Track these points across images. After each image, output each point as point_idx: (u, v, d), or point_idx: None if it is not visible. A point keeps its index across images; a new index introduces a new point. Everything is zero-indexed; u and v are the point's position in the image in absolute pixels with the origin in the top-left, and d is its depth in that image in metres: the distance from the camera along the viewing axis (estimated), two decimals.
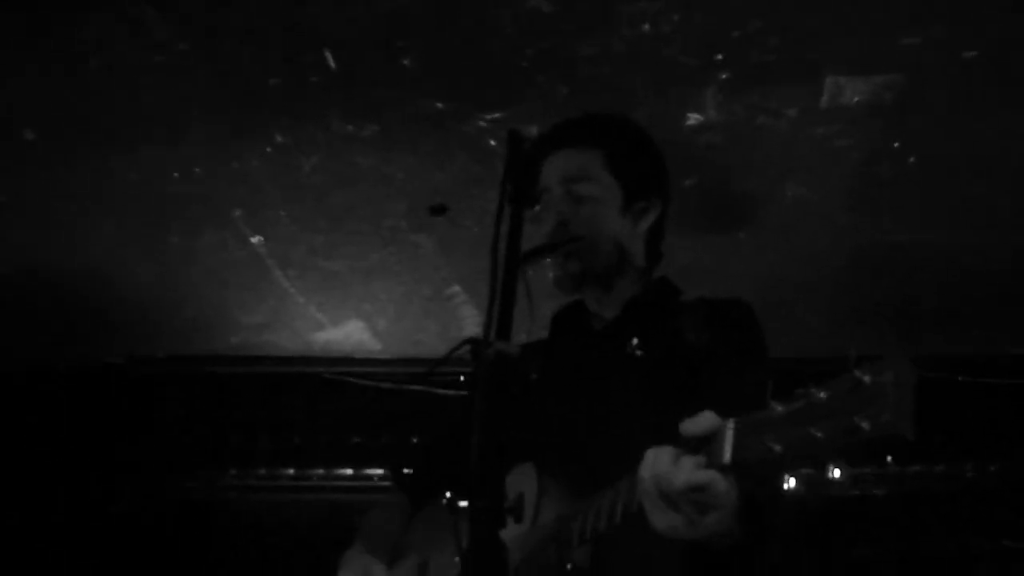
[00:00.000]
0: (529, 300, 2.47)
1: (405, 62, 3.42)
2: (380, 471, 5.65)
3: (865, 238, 4.37)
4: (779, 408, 1.64)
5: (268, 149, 3.89)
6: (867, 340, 5.23)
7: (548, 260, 2.71)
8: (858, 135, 3.73)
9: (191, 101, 3.65)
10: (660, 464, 1.83)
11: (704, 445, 1.79)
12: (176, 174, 4.04)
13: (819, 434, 1.55)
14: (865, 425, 1.49)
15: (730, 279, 4.31)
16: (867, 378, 1.52)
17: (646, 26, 3.23)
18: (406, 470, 3.09)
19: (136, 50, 3.38)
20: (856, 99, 3.54)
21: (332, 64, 3.43)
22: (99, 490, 5.72)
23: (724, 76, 3.45)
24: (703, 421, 1.81)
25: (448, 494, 1.99)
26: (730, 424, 1.75)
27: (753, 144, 3.80)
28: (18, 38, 3.35)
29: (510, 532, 1.93)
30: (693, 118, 3.64)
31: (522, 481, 2.42)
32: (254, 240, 4.49)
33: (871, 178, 3.96)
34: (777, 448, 1.62)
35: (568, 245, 2.68)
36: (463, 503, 1.93)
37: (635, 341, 2.62)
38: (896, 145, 3.78)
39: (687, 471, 1.79)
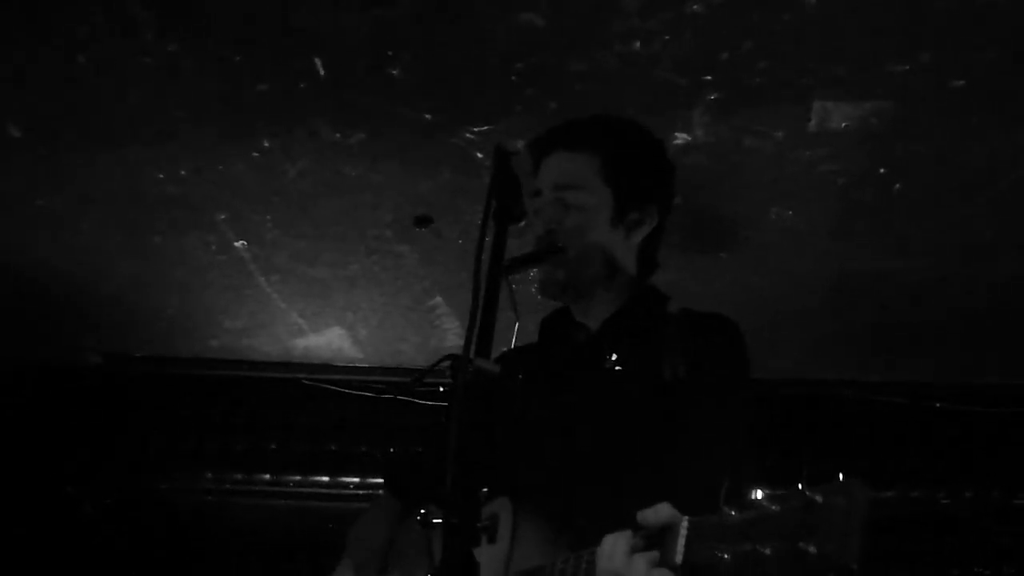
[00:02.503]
0: (514, 309, 2.47)
1: (394, 72, 3.41)
2: (356, 479, 5.64)
3: (848, 263, 4.38)
4: (732, 514, 1.66)
5: (254, 154, 3.88)
6: (846, 365, 5.25)
7: (533, 269, 2.70)
8: (844, 160, 3.74)
9: (179, 103, 3.63)
10: (616, 559, 1.86)
11: (659, 538, 1.81)
12: (161, 175, 4.03)
13: (767, 551, 1.57)
14: (812, 550, 1.51)
15: (711, 300, 4.28)
16: (819, 498, 1.53)
17: (637, 44, 3.24)
18: (399, 473, 3.09)
19: (125, 50, 3.37)
20: (844, 124, 3.55)
21: (321, 71, 3.43)
22: (73, 490, 5.69)
23: (712, 97, 3.45)
24: (660, 513, 1.85)
25: (422, 511, 1.98)
26: (684, 524, 1.78)
27: (739, 166, 3.80)
28: (6, 34, 3.34)
29: (484, 569, 1.93)
30: (680, 138, 3.65)
31: (498, 513, 2.40)
32: (238, 244, 4.48)
33: (856, 203, 3.97)
34: (726, 558, 1.64)
35: (553, 257, 2.66)
36: (437, 520, 1.92)
37: (613, 356, 2.60)
38: (882, 171, 3.79)
39: (641, 571, 1.81)
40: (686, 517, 1.78)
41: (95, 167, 3.98)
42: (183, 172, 4.01)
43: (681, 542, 1.75)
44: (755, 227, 4.16)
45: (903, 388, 5.32)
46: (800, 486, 1.57)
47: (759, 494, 1.62)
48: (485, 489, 2.40)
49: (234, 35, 3.32)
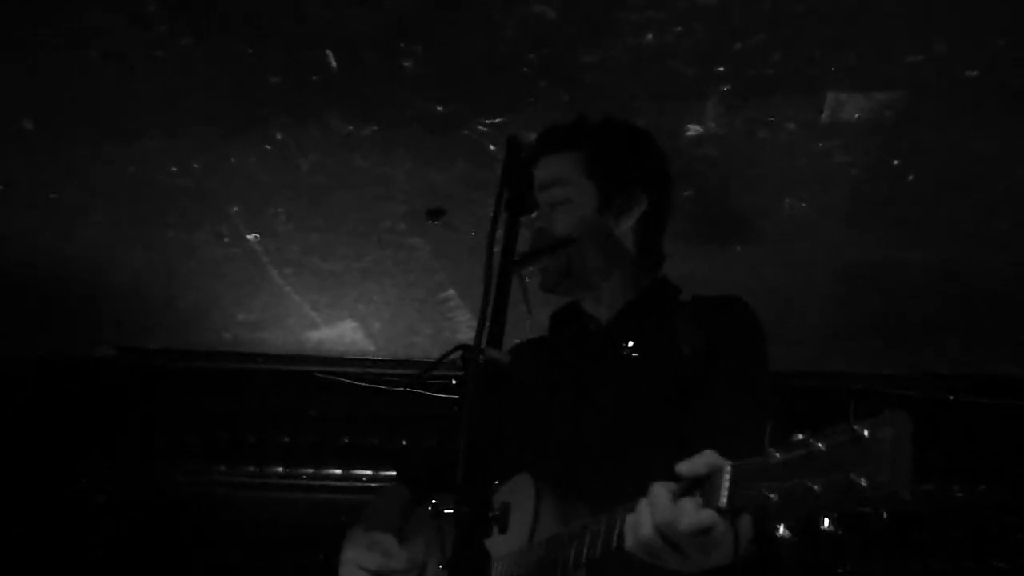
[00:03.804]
0: (527, 304, 2.48)
1: (406, 64, 3.41)
2: (368, 472, 5.65)
3: (862, 254, 4.36)
4: (776, 455, 1.64)
5: (267, 147, 3.88)
6: (860, 356, 5.23)
7: (533, 267, 2.71)
8: (858, 151, 3.73)
9: (191, 95, 3.64)
10: (659, 508, 1.83)
11: (700, 484, 1.79)
12: (174, 168, 4.03)
13: (815, 487, 1.55)
14: (862, 482, 1.49)
15: (724, 291, 4.29)
16: (866, 432, 1.52)
17: (649, 36, 3.23)
18: (411, 464, 3.10)
19: (137, 43, 3.38)
20: (857, 115, 3.54)
21: (333, 64, 3.43)
22: (85, 482, 5.71)
23: (725, 88, 3.44)
24: (700, 462, 1.80)
25: (433, 501, 1.97)
26: (727, 467, 1.74)
27: (752, 157, 3.79)
28: (19, 26, 3.35)
29: (506, 547, 1.92)
30: (693, 129, 3.64)
31: (520, 493, 2.40)
32: (250, 237, 4.49)
33: (869, 195, 3.96)
34: (773, 497, 1.62)
35: (549, 250, 2.68)
36: (448, 510, 1.92)
37: (630, 344, 2.62)
38: (895, 162, 3.78)
39: (690, 515, 1.78)
40: (729, 461, 1.76)
41: (107, 160, 3.99)
42: (195, 165, 4.01)
43: (725, 486, 1.74)
44: (768, 218, 4.15)
45: (916, 380, 5.30)
46: (844, 423, 1.56)
47: (802, 435, 1.61)
48: (496, 480, 2.41)
49: (246, 28, 3.32)
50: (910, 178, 3.85)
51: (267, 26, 3.31)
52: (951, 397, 5.32)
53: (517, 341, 2.84)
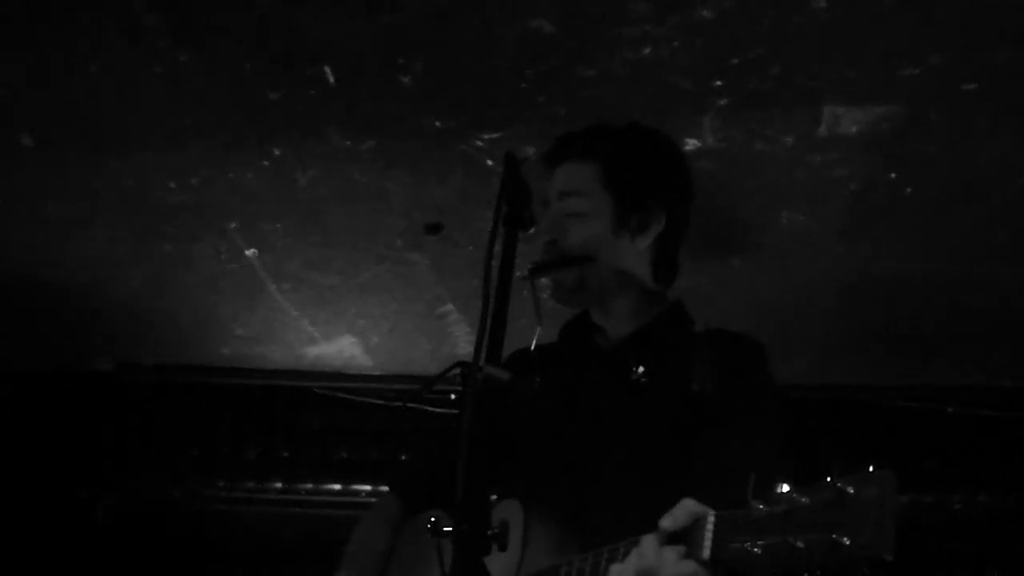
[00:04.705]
0: (537, 314, 2.47)
1: (405, 79, 3.41)
2: (368, 487, 5.64)
3: (860, 267, 4.36)
4: (760, 507, 1.63)
5: (265, 162, 3.88)
6: (860, 368, 5.23)
7: (545, 278, 2.70)
8: (855, 165, 3.73)
9: (189, 111, 3.64)
10: (646, 557, 1.82)
11: (685, 534, 1.78)
12: (172, 183, 4.03)
13: (799, 544, 1.55)
14: (845, 541, 1.49)
15: (724, 305, 4.29)
16: (850, 490, 1.52)
17: (647, 50, 3.23)
18: (405, 476, 3.07)
19: (136, 59, 3.38)
20: (854, 129, 3.54)
21: (331, 79, 3.43)
22: (84, 498, 5.70)
23: (723, 102, 3.44)
24: (682, 514, 1.80)
25: (432, 519, 1.97)
26: (711, 518, 1.74)
27: (750, 171, 3.79)
28: (17, 42, 3.35)
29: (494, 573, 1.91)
30: (691, 143, 3.64)
31: (509, 521, 2.38)
32: (248, 252, 4.48)
33: (868, 208, 3.96)
34: (756, 551, 1.61)
35: (563, 265, 2.66)
36: (447, 528, 1.91)
37: (640, 369, 2.59)
38: (893, 175, 3.78)
39: (671, 564, 1.78)
40: (713, 511, 1.76)
41: (106, 175, 3.99)
42: (193, 180, 4.01)
43: (708, 536, 1.73)
44: (766, 232, 4.15)
45: (916, 392, 5.30)
46: (829, 478, 1.56)
47: (785, 488, 1.61)
48: (495, 496, 2.39)
49: (244, 43, 3.32)
50: (908, 191, 3.85)
51: (265, 42, 3.31)
52: (950, 409, 5.32)
53: (526, 347, 2.80)
